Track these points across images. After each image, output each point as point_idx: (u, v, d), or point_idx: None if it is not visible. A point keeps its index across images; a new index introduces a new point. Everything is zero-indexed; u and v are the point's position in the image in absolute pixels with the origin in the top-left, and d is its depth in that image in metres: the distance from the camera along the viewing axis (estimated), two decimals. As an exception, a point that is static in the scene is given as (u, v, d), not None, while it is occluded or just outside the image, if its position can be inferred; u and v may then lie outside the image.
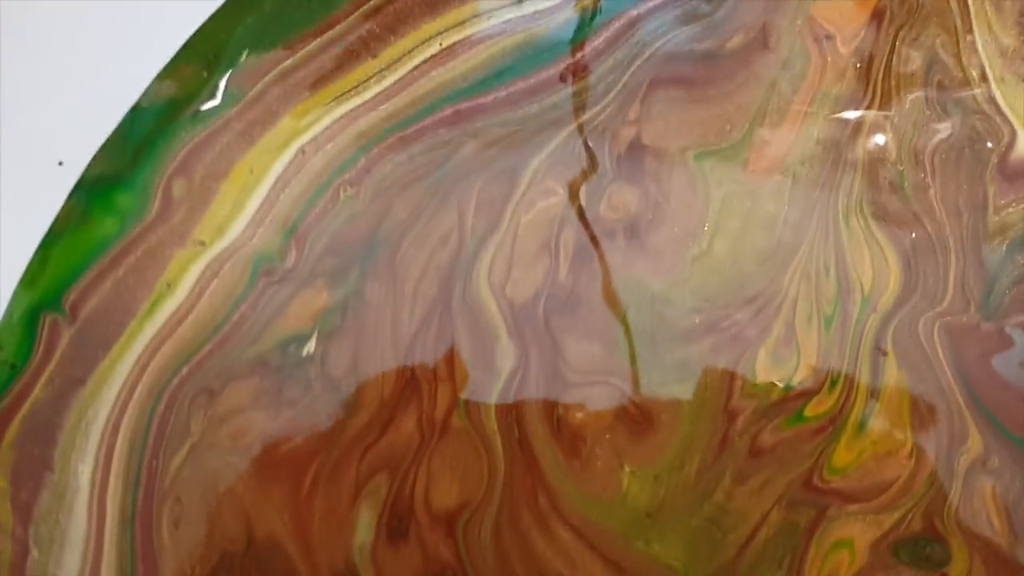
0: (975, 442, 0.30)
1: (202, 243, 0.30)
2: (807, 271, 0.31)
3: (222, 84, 0.31)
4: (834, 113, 0.33)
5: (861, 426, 0.30)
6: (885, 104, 0.33)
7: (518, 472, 0.29)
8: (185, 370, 0.29)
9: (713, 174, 0.32)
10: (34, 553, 0.28)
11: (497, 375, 0.30)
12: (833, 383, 0.30)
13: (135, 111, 0.31)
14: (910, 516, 0.30)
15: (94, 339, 0.29)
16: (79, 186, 0.30)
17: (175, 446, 0.29)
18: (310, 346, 0.30)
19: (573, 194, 0.32)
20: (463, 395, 0.30)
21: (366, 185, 0.31)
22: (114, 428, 0.29)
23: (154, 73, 0.33)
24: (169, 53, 0.33)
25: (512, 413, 0.30)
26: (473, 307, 0.30)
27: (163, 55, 0.33)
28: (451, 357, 0.30)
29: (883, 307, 0.31)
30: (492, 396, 0.30)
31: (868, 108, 0.33)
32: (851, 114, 0.33)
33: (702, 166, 0.32)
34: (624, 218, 0.31)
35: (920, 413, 0.30)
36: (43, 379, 0.29)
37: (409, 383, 0.30)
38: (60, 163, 0.31)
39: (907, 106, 0.33)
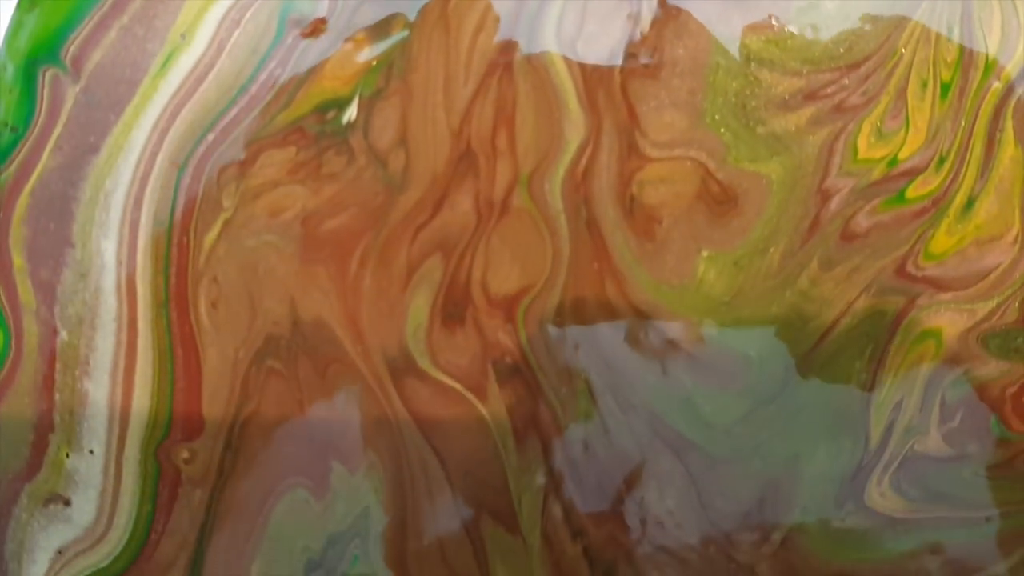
0: (1089, 228, 0.28)
1: (217, -15, 0.26)
2: (927, 30, 0.28)
3: None
4: None
5: (966, 209, 0.28)
6: None
7: (584, 256, 0.27)
8: (210, 137, 0.27)
9: (827, -94, 0.27)
10: (63, 334, 0.27)
11: (564, 148, 0.27)
12: (942, 160, 0.28)
13: None
14: (1006, 306, 0.28)
15: (104, 99, 0.26)
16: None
17: (207, 222, 0.27)
18: (351, 112, 0.27)
19: (658, -70, 0.27)
20: (525, 171, 0.27)
21: (409, -86, 0.27)
22: (136, 201, 0.27)
23: None
24: None
25: (580, 191, 0.27)
26: (538, 68, 0.27)
27: None
28: (512, 127, 0.27)
29: (1008, 74, 0.28)
30: (558, 172, 0.27)
31: None
32: None
33: None
34: (717, -39, 0.27)
35: (1033, 196, 0.28)
36: (50, 145, 0.27)
37: (465, 157, 0.27)
38: None
39: None
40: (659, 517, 0.29)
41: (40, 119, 0.27)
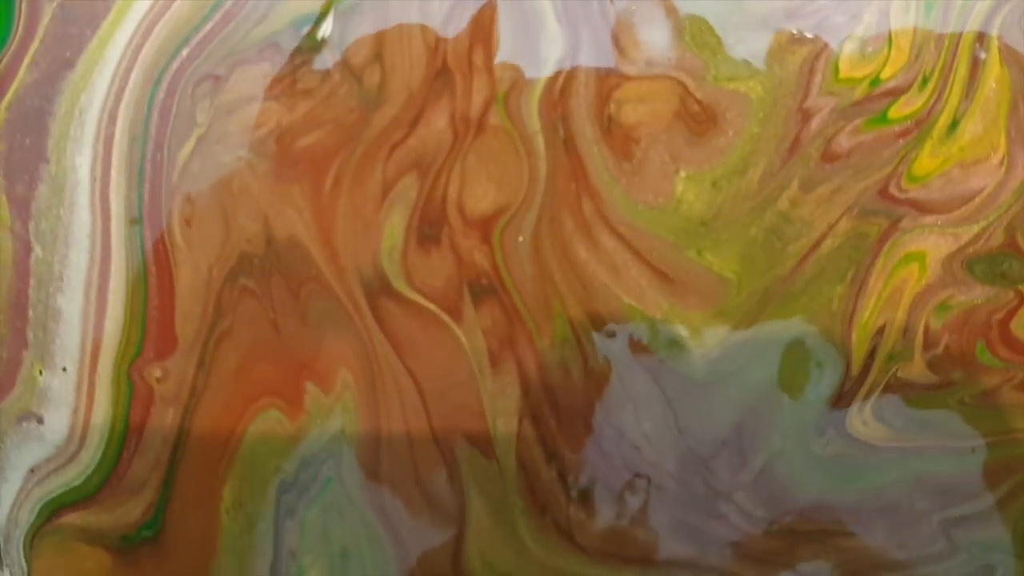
0: (1077, 151, 0.28)
1: (193, -100, 0.26)
2: (909, -53, 0.27)
3: None
4: None
5: (950, 130, 0.28)
6: None
7: (561, 175, 0.27)
8: (185, 52, 0.27)
9: None
10: (37, 251, 0.27)
11: (542, 65, 0.27)
12: (925, 80, 0.27)
13: None
14: (991, 230, 0.28)
15: (80, 15, 0.27)
16: None
17: (181, 138, 0.27)
18: (326, 27, 0.27)
19: None
20: (502, 88, 0.27)
21: None
22: (111, 117, 0.27)
23: None
24: None
25: (557, 110, 0.27)
26: (514, -16, 0.27)
27: None
28: (489, 44, 0.27)
29: (994, -7, 0.27)
30: (535, 90, 0.27)
31: None
32: None
33: None
34: None
35: (1019, 117, 0.28)
36: (27, 60, 0.27)
37: (441, 74, 0.27)
38: None
39: None
40: (635, 441, 0.28)
41: (17, 34, 0.27)
